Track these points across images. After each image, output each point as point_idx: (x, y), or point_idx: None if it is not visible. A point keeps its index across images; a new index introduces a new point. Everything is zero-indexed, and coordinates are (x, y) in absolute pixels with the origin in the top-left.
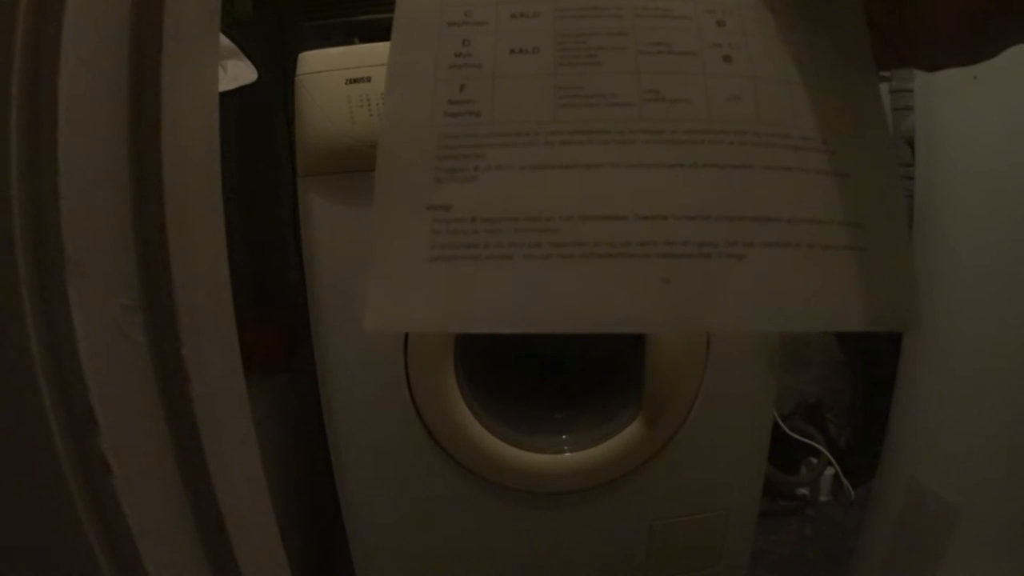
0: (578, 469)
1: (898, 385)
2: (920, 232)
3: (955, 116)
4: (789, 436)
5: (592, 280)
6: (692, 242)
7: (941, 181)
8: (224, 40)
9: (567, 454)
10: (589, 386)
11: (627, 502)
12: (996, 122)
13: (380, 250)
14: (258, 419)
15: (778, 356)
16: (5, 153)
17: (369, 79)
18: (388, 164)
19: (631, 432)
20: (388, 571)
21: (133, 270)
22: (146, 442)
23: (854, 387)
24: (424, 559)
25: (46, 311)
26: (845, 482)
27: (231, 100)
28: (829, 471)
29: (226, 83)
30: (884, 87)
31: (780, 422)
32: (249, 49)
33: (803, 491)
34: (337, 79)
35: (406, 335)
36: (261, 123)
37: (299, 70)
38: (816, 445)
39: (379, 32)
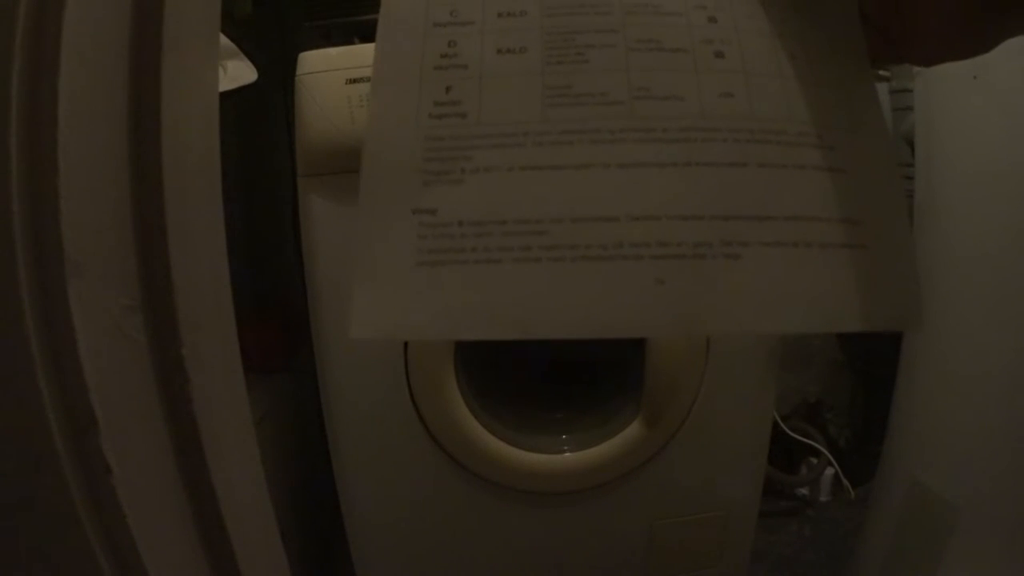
0: (578, 469)
1: (898, 385)
2: (920, 232)
3: (955, 116)
4: (789, 436)
5: (584, 284)
6: (686, 243)
7: (941, 181)
8: (224, 40)
9: (567, 454)
10: (589, 386)
11: (627, 502)
12: (996, 122)
13: (366, 256)
14: (258, 419)
15: (778, 356)
16: (5, 153)
17: (369, 79)
18: (373, 167)
19: (631, 432)
20: (388, 571)
21: (133, 270)
22: (146, 442)
23: (854, 387)
24: (424, 559)
25: (46, 311)
26: (845, 482)
27: (231, 100)
28: (829, 471)
29: (226, 83)
30: (884, 87)
31: (780, 422)
32: (249, 49)
33: (803, 491)
34: (337, 79)
35: None
36: (261, 123)
37: (299, 70)
38: (816, 445)
39: None
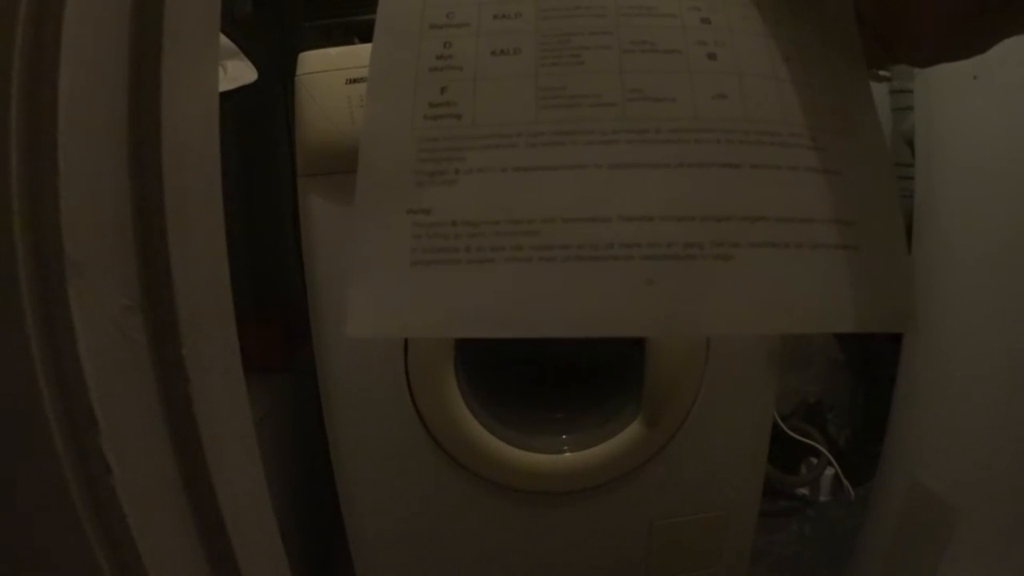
0: (578, 469)
1: (898, 385)
2: (920, 231)
3: (955, 116)
4: (789, 436)
5: (575, 283)
6: (677, 243)
7: (941, 181)
8: (224, 40)
9: (567, 454)
10: (589, 386)
11: (627, 502)
12: (996, 122)
13: (361, 255)
14: (258, 419)
15: (778, 356)
16: (5, 153)
17: None
18: (369, 168)
19: (631, 432)
20: (388, 571)
21: (133, 270)
22: (146, 442)
23: (854, 387)
24: (424, 559)
25: (46, 311)
26: (845, 482)
27: (231, 100)
28: (829, 471)
29: (226, 83)
30: (884, 87)
31: (780, 422)
32: (249, 49)
33: (803, 491)
34: (337, 79)
35: None
36: (261, 123)
37: (299, 70)
38: (816, 445)
39: None
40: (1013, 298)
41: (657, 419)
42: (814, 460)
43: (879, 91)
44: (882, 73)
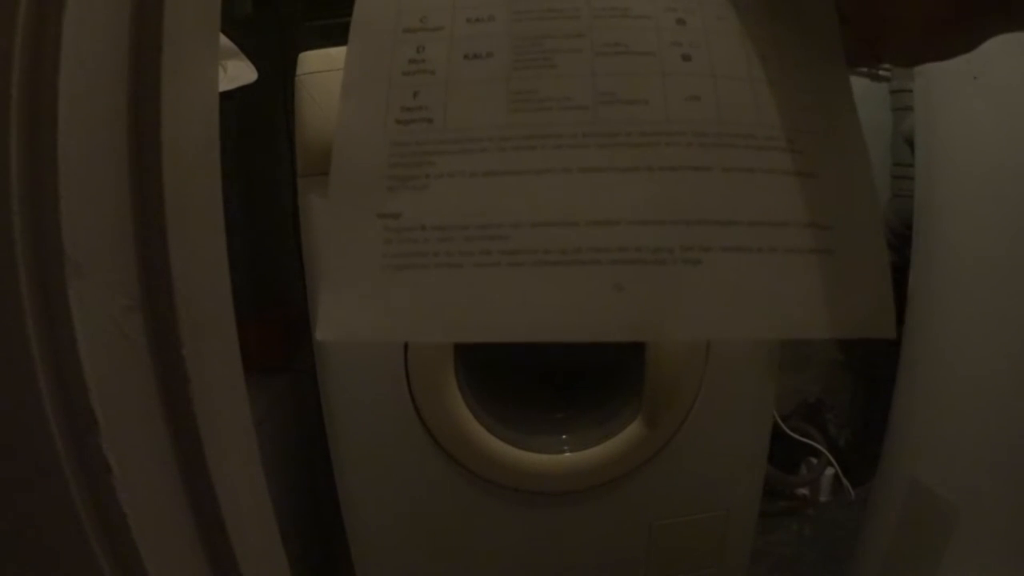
0: (578, 469)
1: (898, 385)
2: (920, 232)
3: (955, 116)
4: (789, 436)
5: (542, 288)
6: (646, 248)
7: (941, 181)
8: (224, 40)
9: (567, 454)
10: (589, 387)
11: (627, 502)
12: (996, 122)
13: (332, 259)
14: (258, 419)
15: (778, 356)
16: (5, 153)
17: None
18: (341, 172)
19: (631, 432)
20: (388, 571)
21: (133, 270)
22: (146, 442)
23: (854, 387)
24: (424, 559)
25: (46, 311)
26: (845, 482)
27: (231, 100)
28: (829, 471)
29: (226, 83)
30: (884, 87)
31: (780, 422)
32: (249, 49)
33: (803, 491)
34: (337, 79)
35: None
36: (261, 123)
37: (299, 70)
38: (816, 445)
39: None
40: (1013, 298)
41: (657, 419)
42: (814, 460)
43: (879, 91)
44: (882, 72)
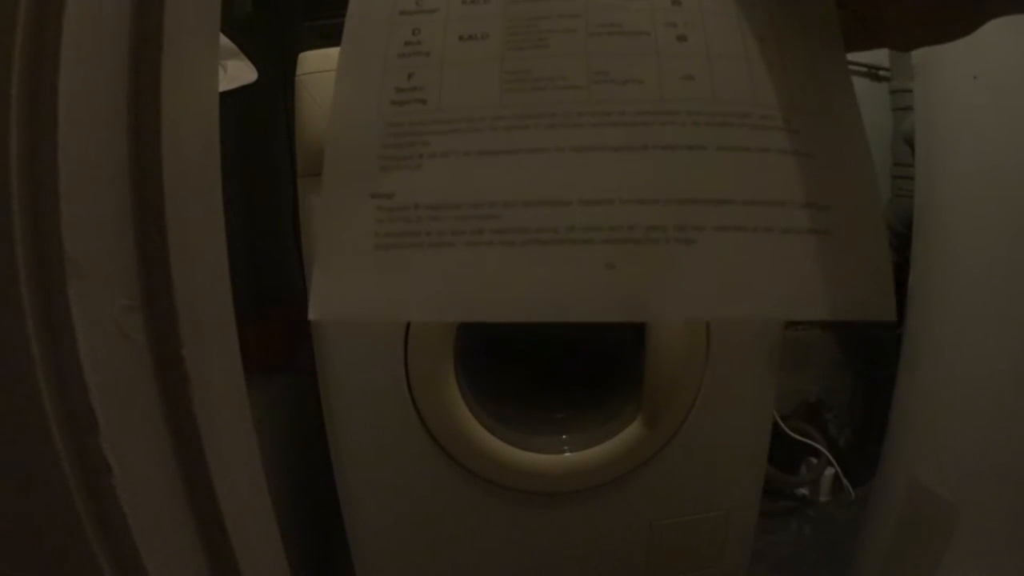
0: (578, 469)
1: (898, 385)
2: (920, 231)
3: (955, 116)
4: (789, 436)
5: (534, 267)
6: (639, 226)
7: (941, 181)
8: (224, 40)
9: (567, 454)
10: (589, 386)
11: (627, 502)
12: (996, 122)
13: (326, 239)
14: (258, 419)
15: (778, 356)
16: (5, 153)
17: None
18: (335, 153)
19: (631, 432)
20: (388, 571)
21: (133, 270)
22: (146, 442)
23: (854, 387)
24: (424, 559)
25: (46, 311)
26: (845, 482)
27: (231, 100)
28: (829, 471)
29: (226, 83)
30: (884, 87)
31: (780, 422)
32: (249, 49)
33: (803, 491)
34: None
35: (406, 333)
36: (261, 123)
37: (299, 70)
38: (816, 445)
39: None
40: (1013, 298)
41: (657, 419)
42: (814, 460)
43: (879, 91)
44: (882, 73)
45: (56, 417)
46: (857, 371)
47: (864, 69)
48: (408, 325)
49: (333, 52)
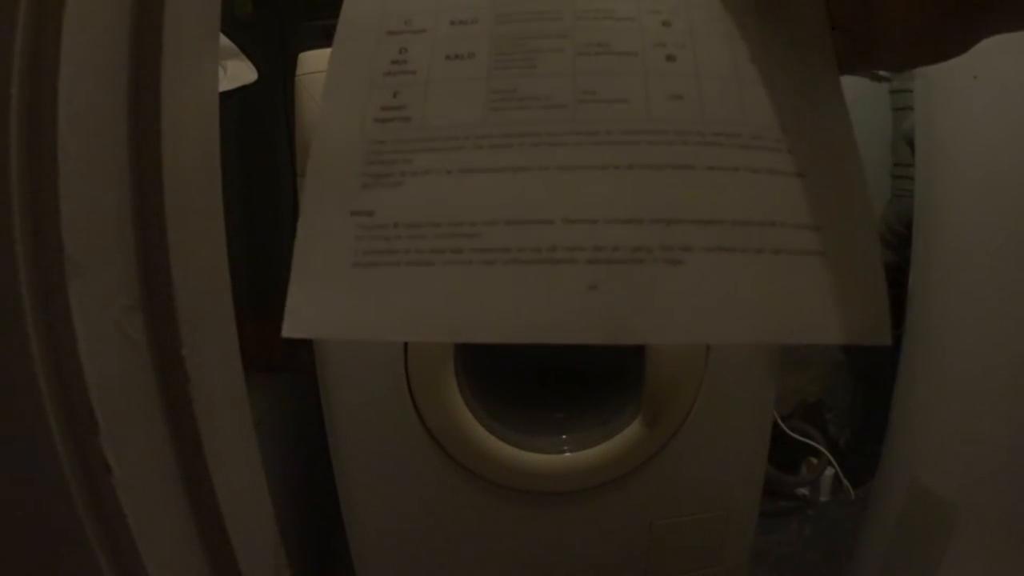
0: (578, 469)
1: (898, 385)
2: (920, 232)
3: (955, 116)
4: (789, 436)
5: (513, 287)
6: (624, 247)
7: (941, 181)
8: (224, 40)
9: (567, 454)
10: (590, 387)
11: (627, 502)
12: (996, 122)
13: (303, 255)
14: (258, 419)
15: (778, 356)
16: (5, 153)
17: None
18: (318, 170)
19: (631, 432)
20: (388, 571)
21: (133, 270)
22: (146, 442)
23: (854, 387)
24: (424, 559)
25: (46, 311)
26: (845, 482)
27: (231, 100)
28: (829, 471)
29: (226, 83)
30: (884, 87)
31: (780, 422)
32: (249, 49)
33: (803, 491)
34: None
35: None
36: (261, 123)
37: (299, 70)
38: (816, 445)
39: None
40: (1013, 298)
41: (657, 419)
42: (814, 460)
43: (879, 91)
44: (882, 73)
45: (56, 417)
46: (857, 371)
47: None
48: None
49: None
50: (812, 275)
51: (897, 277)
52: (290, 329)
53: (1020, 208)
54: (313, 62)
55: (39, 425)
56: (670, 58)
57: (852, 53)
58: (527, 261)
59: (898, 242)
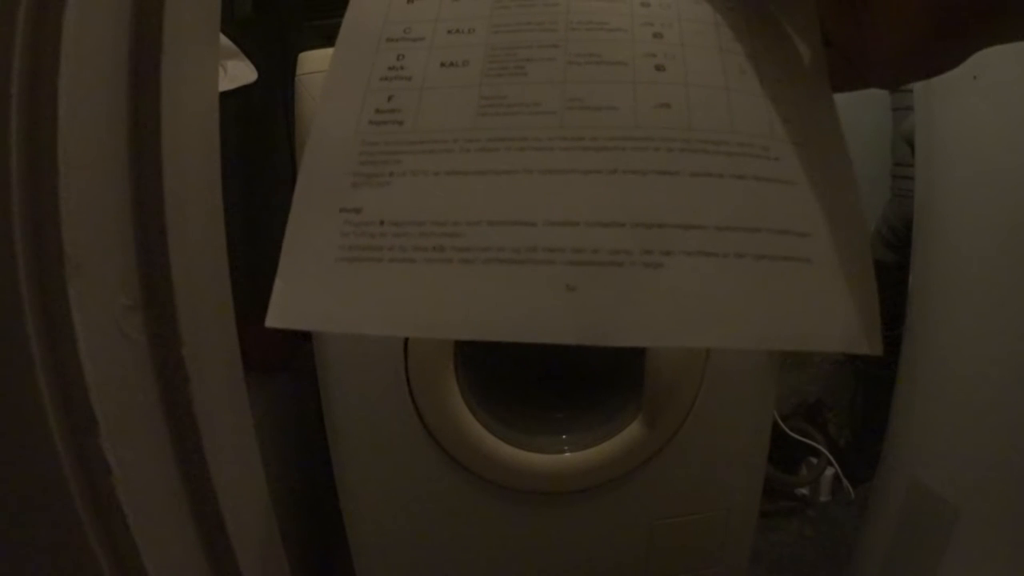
0: (578, 469)
1: (898, 385)
2: (920, 232)
3: (955, 116)
4: (789, 436)
5: (491, 286)
6: (603, 249)
7: (941, 181)
8: (224, 40)
9: (567, 454)
10: (589, 386)
11: (627, 502)
12: (996, 122)
13: (290, 248)
14: (258, 419)
15: (778, 357)
16: (5, 153)
17: None
18: (310, 168)
19: (631, 432)
20: (388, 571)
21: (133, 270)
22: (146, 442)
23: (854, 387)
24: (424, 559)
25: (46, 311)
26: (845, 482)
27: (231, 100)
28: (829, 471)
29: (226, 83)
30: None
31: (780, 422)
32: (249, 49)
33: (803, 491)
34: None
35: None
36: (261, 123)
37: (299, 70)
38: (816, 445)
39: None
40: (1013, 298)
41: (657, 419)
42: (814, 460)
43: (879, 91)
44: None
45: (56, 417)
46: (857, 371)
47: None
48: None
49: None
50: (797, 281)
51: (897, 277)
52: (273, 319)
53: (1020, 208)
54: (313, 62)
55: (39, 425)
56: (659, 68)
57: (843, 70)
58: (506, 260)
59: (898, 242)
